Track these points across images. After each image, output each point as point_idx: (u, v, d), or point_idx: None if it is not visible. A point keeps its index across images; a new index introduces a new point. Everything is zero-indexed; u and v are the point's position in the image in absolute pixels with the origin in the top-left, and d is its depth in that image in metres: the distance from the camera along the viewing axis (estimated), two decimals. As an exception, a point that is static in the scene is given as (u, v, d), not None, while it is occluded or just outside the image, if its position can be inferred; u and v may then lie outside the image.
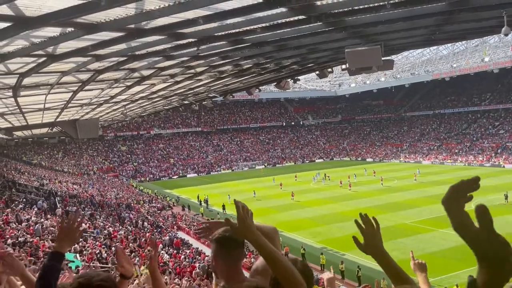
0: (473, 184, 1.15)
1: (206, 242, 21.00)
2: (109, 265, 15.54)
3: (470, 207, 1.14)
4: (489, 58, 65.14)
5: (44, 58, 8.29)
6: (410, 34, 11.53)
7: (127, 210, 35.13)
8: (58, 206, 28.20)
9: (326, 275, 2.99)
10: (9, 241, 14.53)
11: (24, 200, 27.23)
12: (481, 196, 37.46)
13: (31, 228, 18.46)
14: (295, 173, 61.55)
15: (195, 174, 74.56)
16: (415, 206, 36.50)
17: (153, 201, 45.61)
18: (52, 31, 6.54)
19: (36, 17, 5.55)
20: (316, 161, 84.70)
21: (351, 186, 47.26)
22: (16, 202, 24.96)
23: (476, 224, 1.11)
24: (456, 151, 73.26)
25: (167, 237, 25.87)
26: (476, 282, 1.13)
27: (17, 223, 18.99)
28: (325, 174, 56.52)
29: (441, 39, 15.09)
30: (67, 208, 28.49)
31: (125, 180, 67.68)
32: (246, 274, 2.19)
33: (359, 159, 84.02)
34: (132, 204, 39.55)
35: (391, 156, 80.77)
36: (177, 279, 14.40)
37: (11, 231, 16.66)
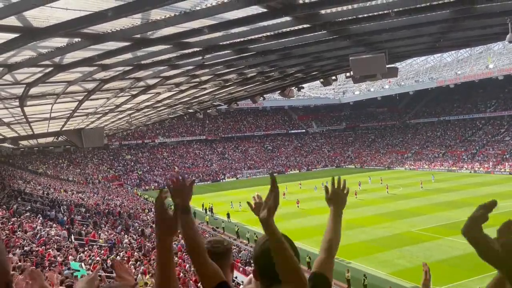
0: (490, 208, 1.13)
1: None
2: (114, 274, 15.51)
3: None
4: (494, 65, 65.01)
5: (51, 68, 8.36)
6: (415, 41, 11.55)
7: (131, 219, 35.11)
8: (64, 215, 28.27)
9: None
10: (18, 250, 14.55)
11: (29, 208, 27.33)
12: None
13: (43, 238, 18.52)
14: (299, 181, 61.40)
15: (201, 183, 74.60)
16: (421, 214, 36.27)
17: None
18: (59, 42, 6.60)
19: (44, 28, 5.62)
20: (321, 168, 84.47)
21: (357, 194, 47.03)
22: (24, 212, 25.03)
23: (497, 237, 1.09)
24: (462, 158, 72.88)
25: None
26: None
27: (22, 232, 19.04)
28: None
29: (446, 46, 15.10)
30: (72, 216, 28.55)
31: (129, 188, 67.77)
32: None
33: (366, 166, 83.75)
34: (137, 213, 39.54)
35: (396, 164, 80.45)
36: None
37: (16, 240, 16.68)
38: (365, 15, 7.57)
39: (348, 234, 31.37)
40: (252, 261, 1.98)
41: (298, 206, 42.67)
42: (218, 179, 77.08)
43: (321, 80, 18.66)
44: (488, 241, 1.10)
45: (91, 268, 14.80)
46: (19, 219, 22.01)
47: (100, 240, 23.26)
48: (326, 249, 2.18)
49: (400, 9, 7.22)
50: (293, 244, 1.95)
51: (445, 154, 77.33)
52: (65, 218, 27.24)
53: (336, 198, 2.42)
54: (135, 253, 20.94)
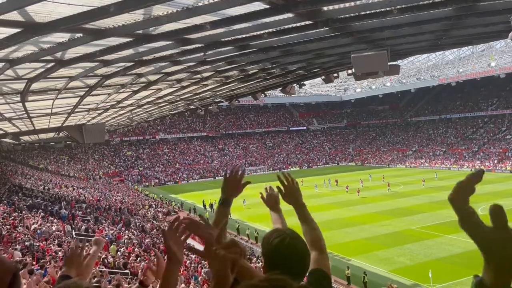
0: (478, 177, 1.16)
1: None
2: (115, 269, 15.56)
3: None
4: (496, 63, 64.76)
5: (52, 64, 8.36)
6: (417, 39, 11.52)
7: (132, 215, 35.18)
8: (65, 211, 28.30)
9: None
10: (18, 245, 14.59)
11: (30, 203, 27.37)
12: (491, 202, 36.93)
13: (44, 235, 18.54)
14: (301, 178, 61.45)
15: (202, 179, 74.72)
16: (421, 212, 36.25)
17: (159, 206, 45.66)
18: (61, 37, 6.60)
19: (46, 23, 5.61)
20: (321, 166, 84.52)
21: (359, 192, 46.93)
22: (24, 207, 25.09)
23: (490, 224, 1.11)
24: (463, 156, 72.82)
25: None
26: (484, 281, 1.13)
27: (23, 227, 19.08)
28: (336, 180, 56.66)
29: (448, 44, 15.06)
30: (73, 211, 28.61)
31: (130, 184, 67.85)
32: None
33: (367, 164, 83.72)
34: (137, 209, 39.62)
35: (397, 162, 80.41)
36: (183, 284, 14.39)
37: (18, 235, 16.73)
38: (368, 12, 7.55)
39: (349, 231, 31.41)
40: (261, 257, 1.94)
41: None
42: (219, 175, 77.16)
43: (323, 77, 18.63)
44: (473, 214, 1.13)
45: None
46: (20, 214, 22.07)
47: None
48: (316, 247, 2.19)
49: (403, 6, 7.21)
50: (304, 244, 1.96)
51: (446, 152, 77.26)
52: (66, 213, 27.29)
53: (292, 193, 2.42)
54: (136, 248, 21.01)
